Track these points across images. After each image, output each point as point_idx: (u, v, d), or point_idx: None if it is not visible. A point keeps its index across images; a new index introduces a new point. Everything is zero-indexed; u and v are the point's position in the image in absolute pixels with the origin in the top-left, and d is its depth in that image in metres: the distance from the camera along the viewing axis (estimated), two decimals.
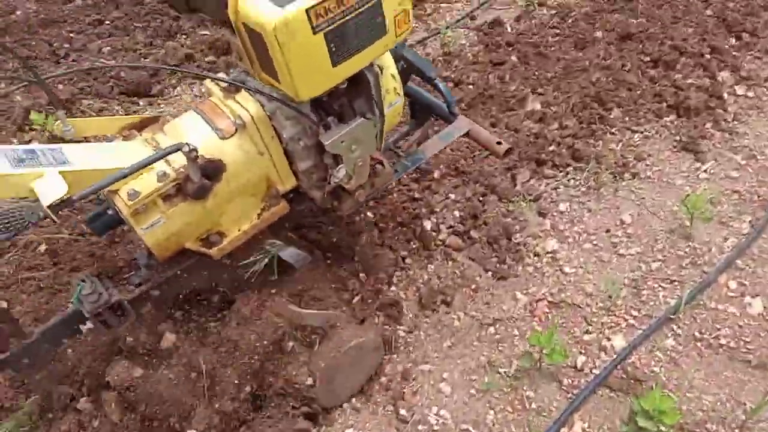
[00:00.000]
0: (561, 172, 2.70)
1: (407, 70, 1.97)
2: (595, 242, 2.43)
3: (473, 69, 3.30)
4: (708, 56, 3.19)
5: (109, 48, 3.44)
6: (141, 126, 1.82)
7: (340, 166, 1.76)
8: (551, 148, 2.77)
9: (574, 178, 2.68)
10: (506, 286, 2.30)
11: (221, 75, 1.78)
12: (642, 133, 2.86)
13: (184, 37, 3.46)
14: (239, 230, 1.87)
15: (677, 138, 2.80)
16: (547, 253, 2.40)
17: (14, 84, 2.19)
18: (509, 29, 3.66)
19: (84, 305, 1.77)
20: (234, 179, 1.77)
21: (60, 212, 1.46)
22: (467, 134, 2.15)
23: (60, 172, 1.48)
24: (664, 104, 2.96)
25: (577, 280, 2.30)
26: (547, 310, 2.22)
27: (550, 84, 3.11)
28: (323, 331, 1.93)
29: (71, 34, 3.66)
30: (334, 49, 1.47)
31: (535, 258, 2.39)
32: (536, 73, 3.22)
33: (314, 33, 1.42)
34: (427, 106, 2.22)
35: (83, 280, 1.82)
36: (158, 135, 1.78)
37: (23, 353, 1.75)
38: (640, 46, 3.31)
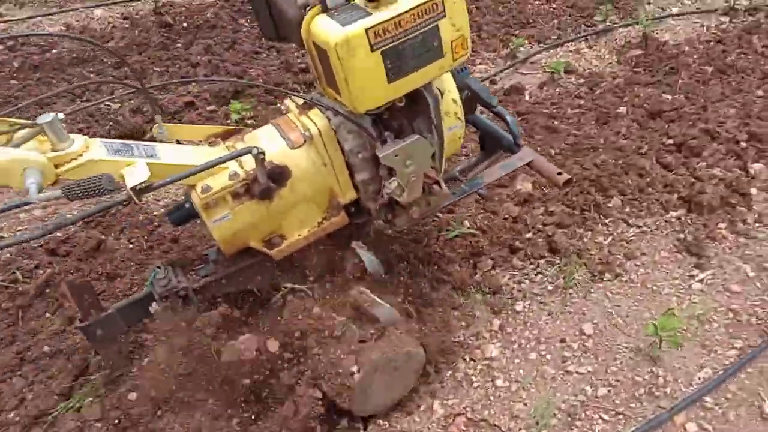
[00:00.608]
0: (531, 264, 2.41)
1: (472, 98, 2.06)
2: (543, 353, 2.13)
3: (473, 139, 2.95)
4: (744, 144, 2.78)
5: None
6: (225, 135, 2.04)
7: (392, 178, 1.86)
8: (528, 236, 2.49)
9: (542, 273, 2.39)
10: (425, 392, 2.06)
11: (302, 94, 1.96)
12: (640, 227, 2.54)
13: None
14: (299, 235, 2.01)
15: (681, 236, 2.46)
16: (485, 359, 2.13)
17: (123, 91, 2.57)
18: (528, 97, 3.43)
19: (155, 288, 1.98)
20: (298, 186, 1.92)
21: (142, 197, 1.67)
22: (530, 164, 2.18)
23: (147, 163, 1.70)
24: (675, 195, 2.61)
25: (508, 396, 2.02)
26: (464, 428, 1.95)
27: (552, 162, 2.62)
28: (380, 329, 1.96)
29: (91, 74, 3.91)
30: (390, 66, 1.60)
31: (470, 362, 2.13)
32: (538, 148, 2.91)
33: (372, 50, 1.56)
34: (496, 138, 2.28)
35: (159, 267, 2.03)
36: (238, 143, 1.98)
37: (99, 324, 1.96)
38: (667, 126, 2.97)
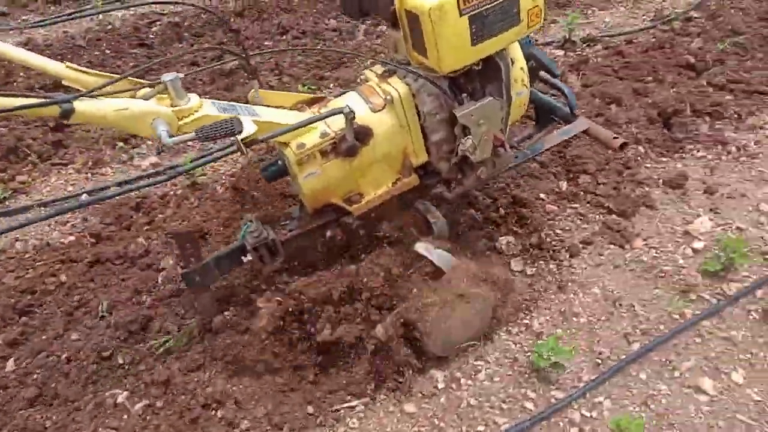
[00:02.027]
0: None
1: (536, 68, 2.25)
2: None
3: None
4: None
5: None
6: (311, 103, 2.24)
7: (467, 136, 2.05)
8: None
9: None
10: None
11: (386, 60, 2.16)
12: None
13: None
14: (375, 194, 2.21)
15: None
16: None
17: (226, 58, 2.82)
18: None
19: (248, 240, 2.19)
20: (378, 146, 2.12)
21: (248, 148, 1.88)
22: (586, 131, 2.36)
23: (252, 120, 1.91)
24: None
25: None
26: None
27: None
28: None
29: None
30: (474, 31, 1.79)
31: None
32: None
33: (460, 15, 1.76)
34: (550, 109, 2.47)
35: (251, 221, 2.24)
36: (323, 109, 2.19)
37: (197, 272, 2.17)
38: None
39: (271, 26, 4.62)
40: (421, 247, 2.18)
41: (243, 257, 2.24)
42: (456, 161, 2.16)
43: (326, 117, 1.97)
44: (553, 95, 2.68)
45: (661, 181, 2.86)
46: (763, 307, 2.25)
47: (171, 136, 1.72)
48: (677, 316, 2.27)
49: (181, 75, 1.84)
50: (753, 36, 3.89)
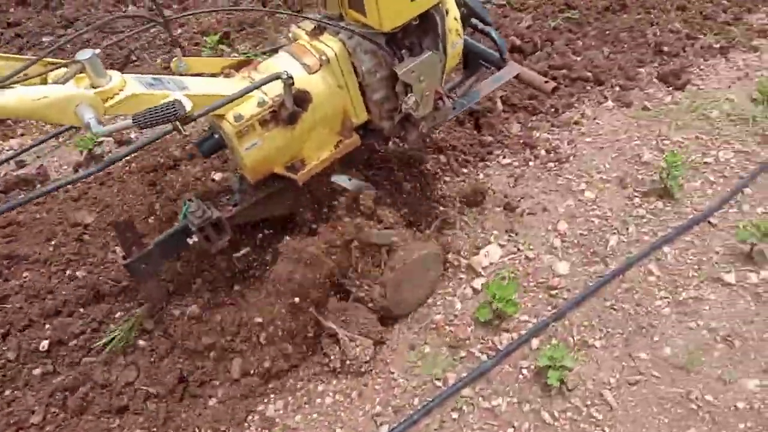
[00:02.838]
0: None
1: (468, 15, 2.23)
2: None
3: None
4: None
5: None
6: (238, 66, 2.11)
7: (410, 94, 2.02)
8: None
9: None
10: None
11: (311, 16, 2.05)
12: None
13: None
14: (318, 159, 2.15)
15: None
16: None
17: (143, 25, 2.57)
18: None
19: (191, 221, 2.08)
20: (318, 109, 2.04)
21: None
22: (518, 76, 2.40)
23: (184, 95, 1.77)
24: None
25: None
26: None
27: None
28: (389, 248, 2.18)
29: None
30: None
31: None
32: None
33: None
34: (479, 55, 2.47)
35: (190, 200, 2.12)
36: (253, 73, 2.07)
37: (142, 260, 2.05)
38: None
39: None
40: (337, 179, 2.19)
41: (188, 239, 2.13)
42: (399, 119, 2.13)
43: (263, 84, 1.86)
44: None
45: (457, 198, 2.58)
46: (536, 364, 2.00)
47: (101, 123, 1.56)
48: (439, 382, 2.03)
49: (98, 51, 1.66)
50: (588, 9, 3.66)
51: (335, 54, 2.00)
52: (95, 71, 1.64)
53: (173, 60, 1.96)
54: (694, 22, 3.58)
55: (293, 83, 1.89)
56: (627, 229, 2.46)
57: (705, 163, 2.71)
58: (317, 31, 2.06)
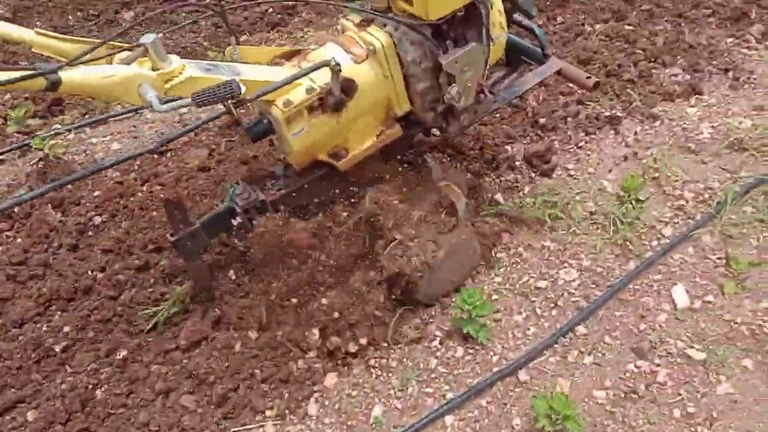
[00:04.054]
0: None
1: (512, 9, 2.27)
2: None
3: None
4: None
5: None
6: (289, 56, 2.19)
7: (453, 84, 2.07)
8: None
9: None
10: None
11: (364, 8, 2.12)
12: None
13: None
14: (361, 147, 2.22)
15: None
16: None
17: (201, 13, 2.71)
18: None
19: (237, 202, 2.16)
20: (363, 98, 2.11)
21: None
22: (560, 71, 2.42)
23: (238, 80, 1.85)
24: None
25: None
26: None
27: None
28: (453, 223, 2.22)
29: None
30: None
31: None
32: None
33: None
34: (521, 51, 2.51)
35: (237, 183, 2.21)
36: (303, 63, 2.14)
37: (188, 238, 2.14)
38: None
39: None
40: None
41: (232, 220, 2.22)
42: (441, 110, 2.18)
43: (312, 71, 1.94)
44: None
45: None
46: None
47: (161, 101, 1.66)
48: None
49: (160, 35, 1.76)
50: None
51: (382, 45, 2.06)
52: (157, 54, 1.74)
53: (227, 48, 2.05)
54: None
55: (341, 70, 1.96)
56: (405, 389, 2.10)
57: (537, 288, 2.33)
58: (365, 23, 2.13)
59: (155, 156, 3.04)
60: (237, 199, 2.17)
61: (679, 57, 3.26)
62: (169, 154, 3.07)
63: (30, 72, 1.46)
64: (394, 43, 2.07)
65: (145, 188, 2.92)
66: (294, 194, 2.25)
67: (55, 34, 1.73)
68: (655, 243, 2.44)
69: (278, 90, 1.94)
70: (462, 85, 2.08)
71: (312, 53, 2.17)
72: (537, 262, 2.44)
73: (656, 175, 2.68)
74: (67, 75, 1.53)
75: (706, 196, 2.57)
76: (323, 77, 2.01)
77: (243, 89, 1.74)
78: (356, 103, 2.11)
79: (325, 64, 1.93)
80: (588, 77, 2.37)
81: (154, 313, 2.28)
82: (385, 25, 2.09)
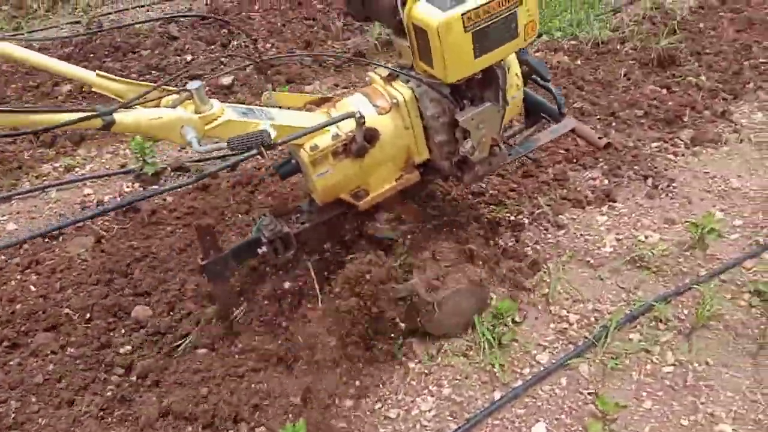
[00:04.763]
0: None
1: (528, 72, 2.42)
2: None
3: None
4: None
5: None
6: (319, 103, 2.39)
7: (467, 139, 2.23)
8: None
9: None
10: None
11: (385, 64, 2.32)
12: None
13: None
14: (380, 190, 2.38)
15: None
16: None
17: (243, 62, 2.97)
18: None
19: (264, 233, 2.35)
20: (385, 146, 2.28)
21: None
22: (573, 130, 2.56)
23: (270, 125, 2.06)
24: None
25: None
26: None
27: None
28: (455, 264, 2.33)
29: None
30: (477, 45, 1.96)
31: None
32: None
33: (465, 31, 1.92)
34: (539, 106, 2.65)
35: (264, 215, 2.40)
36: (332, 110, 2.34)
37: (216, 263, 2.33)
38: None
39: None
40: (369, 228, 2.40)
41: (258, 249, 2.40)
42: (456, 161, 2.34)
43: (338, 121, 2.13)
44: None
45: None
46: None
47: (200, 143, 1.86)
48: None
49: (204, 82, 1.98)
50: None
51: (404, 99, 2.24)
52: (200, 99, 1.95)
53: (264, 94, 2.26)
54: (501, 190, 3.01)
55: (365, 122, 2.15)
56: None
57: (387, 418, 2.17)
58: (391, 78, 2.31)
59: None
60: (264, 230, 2.36)
61: (600, 159, 3.17)
62: (61, 238, 3.08)
63: (89, 114, 1.68)
64: (416, 97, 2.25)
65: (19, 277, 2.86)
66: (316, 229, 2.43)
67: (113, 76, 1.96)
68: (527, 371, 2.25)
69: (307, 135, 2.13)
70: (477, 140, 2.24)
71: (340, 102, 2.36)
72: (396, 386, 2.26)
73: (546, 291, 2.52)
74: (120, 116, 1.75)
75: (593, 318, 2.41)
76: (348, 125, 2.20)
77: (273, 136, 1.93)
78: (378, 151, 2.28)
79: (351, 115, 2.12)
80: (600, 137, 2.50)
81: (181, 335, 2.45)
82: (408, 81, 2.27)
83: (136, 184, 3.40)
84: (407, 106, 2.25)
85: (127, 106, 1.80)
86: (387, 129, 2.27)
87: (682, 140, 3.29)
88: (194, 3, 5.49)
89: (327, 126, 2.12)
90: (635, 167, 3.12)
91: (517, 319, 2.43)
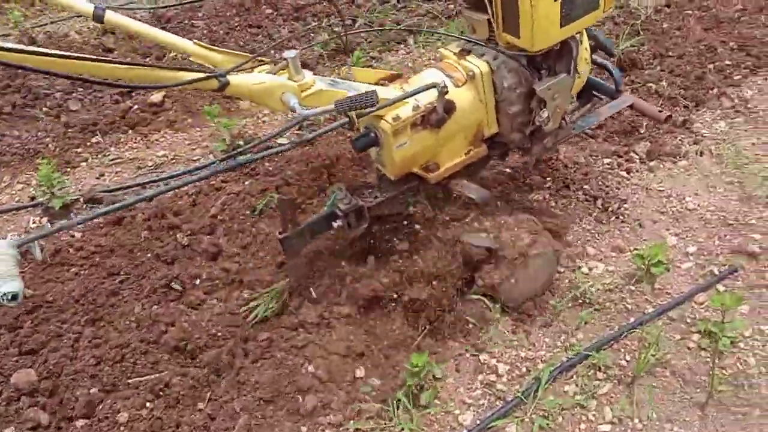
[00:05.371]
0: None
1: (595, 46, 2.51)
2: None
3: None
4: None
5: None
6: (390, 79, 2.44)
7: (543, 109, 2.30)
8: None
9: None
10: None
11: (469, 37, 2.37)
12: None
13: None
14: (451, 163, 2.44)
15: None
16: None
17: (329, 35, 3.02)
18: None
19: (338, 207, 2.38)
20: (460, 118, 2.34)
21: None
22: (632, 105, 2.65)
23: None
24: None
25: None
26: None
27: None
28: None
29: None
30: (564, 14, 2.04)
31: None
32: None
33: (554, 0, 2.00)
34: (594, 86, 2.74)
35: (339, 189, 2.43)
36: (405, 85, 2.39)
37: (294, 236, 2.35)
38: None
39: None
40: (457, 185, 2.42)
41: (333, 222, 2.43)
42: (529, 132, 2.40)
43: (422, 91, 2.17)
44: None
45: None
46: None
47: (303, 107, 1.90)
48: None
49: (297, 51, 2.02)
50: None
51: (481, 72, 2.30)
52: (295, 68, 1.99)
53: (343, 68, 2.30)
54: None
55: (447, 92, 2.20)
56: None
57: None
58: (464, 53, 2.37)
59: None
60: (339, 203, 2.38)
61: (548, 178, 2.97)
62: None
63: (208, 74, 1.70)
64: (491, 70, 2.31)
65: None
66: (387, 202, 2.47)
67: (210, 46, 1.99)
68: None
69: (388, 107, 2.18)
70: (552, 110, 2.31)
71: (414, 77, 2.41)
72: None
73: (479, 336, 2.34)
74: (233, 78, 1.78)
75: (524, 368, 2.20)
76: (427, 97, 2.25)
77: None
78: (452, 123, 2.33)
79: (434, 85, 2.17)
80: (660, 111, 2.59)
81: (254, 306, 2.46)
82: (482, 55, 2.33)
83: (44, 219, 3.10)
84: (483, 79, 2.31)
85: (235, 71, 1.82)
86: (463, 101, 2.32)
87: (637, 154, 3.09)
88: (138, 12, 5.25)
89: (410, 96, 2.16)
90: (585, 186, 2.90)
91: (438, 374, 2.18)
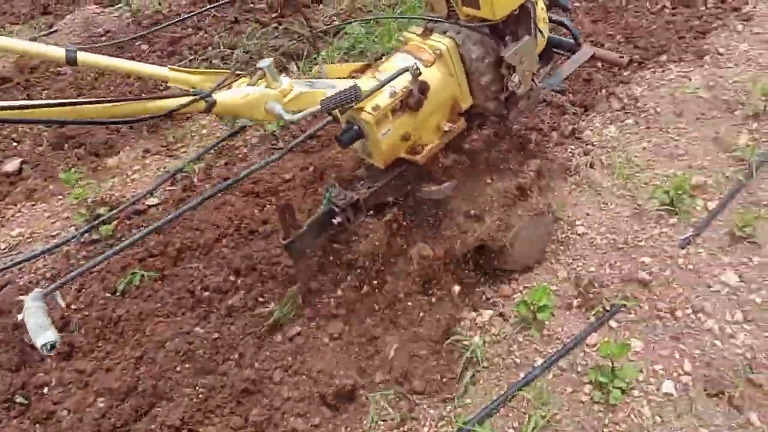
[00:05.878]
0: None
1: (550, 4, 2.60)
2: None
3: None
4: None
5: None
6: (363, 69, 2.49)
7: (514, 74, 2.38)
8: None
9: None
10: None
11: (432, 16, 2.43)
12: None
13: None
14: (434, 142, 2.50)
15: None
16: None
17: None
18: None
19: (335, 203, 2.43)
20: (434, 96, 2.40)
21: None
22: (593, 56, 2.75)
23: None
24: None
25: None
26: None
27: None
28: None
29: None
30: None
31: None
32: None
33: None
34: (553, 44, 2.83)
35: (333, 186, 2.48)
36: (377, 73, 2.44)
37: (298, 239, 2.40)
38: None
39: None
40: (418, 194, 2.51)
41: (333, 220, 2.47)
42: (504, 98, 2.48)
43: (397, 77, 2.23)
44: None
45: None
46: None
47: (289, 112, 1.94)
48: None
49: (272, 59, 2.05)
50: None
51: (447, 48, 2.37)
52: (272, 76, 2.03)
53: (315, 66, 2.34)
54: None
55: (420, 73, 2.26)
56: None
57: None
58: (427, 32, 2.44)
59: None
60: (335, 200, 2.43)
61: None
62: None
63: (194, 97, 1.73)
64: (457, 45, 2.38)
65: None
66: (381, 191, 2.53)
67: (186, 69, 2.01)
68: None
69: (366, 98, 2.23)
70: (521, 73, 2.39)
71: (384, 64, 2.46)
72: None
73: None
74: (219, 97, 1.81)
75: None
76: (401, 82, 2.31)
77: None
78: (428, 103, 2.39)
79: (407, 69, 2.23)
80: (621, 57, 2.70)
81: (269, 313, 2.50)
82: (445, 31, 2.40)
83: None
84: (450, 54, 2.37)
85: (217, 89, 1.85)
86: (434, 80, 2.38)
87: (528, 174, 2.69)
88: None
89: (387, 83, 2.22)
90: None
91: None
